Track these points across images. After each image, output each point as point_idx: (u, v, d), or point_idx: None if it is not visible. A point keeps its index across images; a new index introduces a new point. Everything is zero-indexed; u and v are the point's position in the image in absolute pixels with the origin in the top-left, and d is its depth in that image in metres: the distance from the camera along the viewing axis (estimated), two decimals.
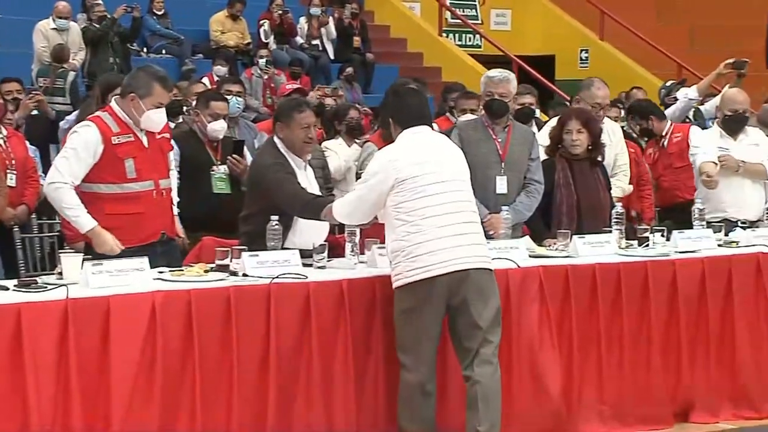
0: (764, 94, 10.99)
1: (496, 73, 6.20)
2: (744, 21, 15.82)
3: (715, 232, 6.11)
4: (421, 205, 4.79)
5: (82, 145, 5.09)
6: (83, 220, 5.05)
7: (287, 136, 5.46)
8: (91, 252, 5.03)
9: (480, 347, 4.84)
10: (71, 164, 5.07)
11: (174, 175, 5.62)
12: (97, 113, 5.30)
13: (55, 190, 5.07)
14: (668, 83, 11.14)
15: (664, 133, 8.26)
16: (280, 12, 13.54)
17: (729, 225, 6.40)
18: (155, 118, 5.20)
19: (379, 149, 5.68)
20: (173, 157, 5.73)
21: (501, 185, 6.04)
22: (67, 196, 5.05)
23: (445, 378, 5.05)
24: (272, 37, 13.44)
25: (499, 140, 6.11)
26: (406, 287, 4.80)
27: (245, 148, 6.63)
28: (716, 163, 6.65)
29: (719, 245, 6.05)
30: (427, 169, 4.84)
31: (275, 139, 5.53)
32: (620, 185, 6.88)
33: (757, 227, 6.37)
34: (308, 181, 5.53)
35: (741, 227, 6.33)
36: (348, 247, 5.23)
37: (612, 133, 6.87)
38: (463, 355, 4.88)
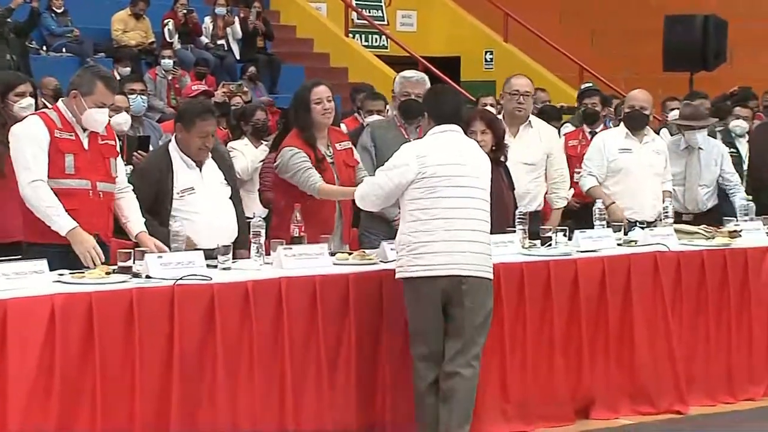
0: (662, 96, 11.27)
1: (412, 73, 6.28)
2: (642, 25, 16.17)
3: (615, 232, 6.24)
4: (435, 205, 4.96)
5: (34, 139, 5.00)
6: (64, 221, 4.95)
7: (184, 139, 5.51)
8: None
9: (464, 348, 5.01)
10: (38, 160, 4.98)
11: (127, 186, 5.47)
12: (43, 110, 5.31)
13: (35, 188, 4.96)
14: (585, 85, 11.35)
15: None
16: (185, 11, 13.39)
17: (628, 225, 6.54)
18: (97, 117, 5.14)
19: (296, 150, 5.67)
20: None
21: None
22: (47, 194, 4.96)
23: None
24: (177, 37, 13.29)
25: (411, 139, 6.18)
26: (407, 281, 5.03)
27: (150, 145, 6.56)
28: (600, 183, 6.73)
29: (619, 244, 6.17)
30: (449, 172, 5.00)
31: (172, 139, 5.57)
32: (561, 194, 6.85)
33: (654, 227, 6.52)
34: (201, 181, 5.50)
35: (639, 227, 6.47)
36: (253, 248, 5.21)
37: (544, 135, 6.85)
38: (447, 353, 5.03)
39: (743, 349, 6.33)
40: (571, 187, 7.17)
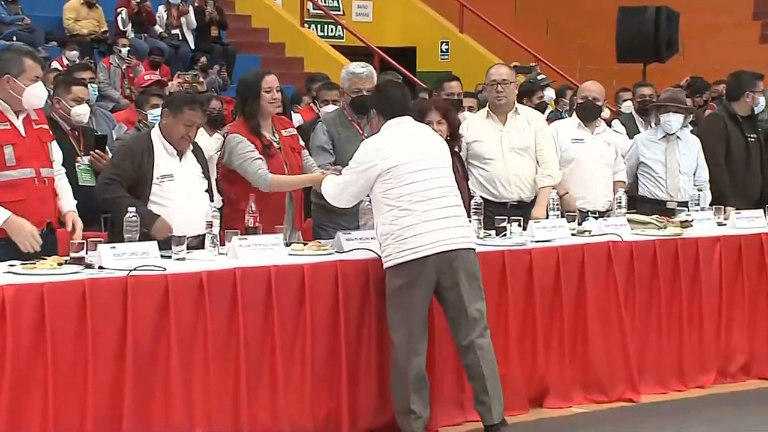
0: (615, 87, 11.37)
1: (360, 69, 6.25)
2: (597, 16, 16.29)
3: (569, 222, 6.29)
4: (407, 191, 5.17)
5: None
6: None
7: (169, 125, 5.54)
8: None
9: (471, 321, 5.24)
10: None
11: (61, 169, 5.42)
12: None
13: None
14: (540, 77, 11.38)
15: None
16: (138, 0, 13.27)
17: (582, 215, 6.59)
18: (36, 93, 5.09)
19: (241, 138, 5.71)
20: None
21: None
22: None
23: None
24: (130, 26, 13.17)
25: (366, 136, 6.16)
26: (396, 267, 5.16)
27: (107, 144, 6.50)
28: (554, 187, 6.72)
29: (573, 234, 6.22)
30: (412, 158, 5.22)
31: (156, 125, 5.62)
32: (546, 173, 6.74)
33: (607, 216, 6.58)
34: (181, 169, 5.53)
35: (593, 217, 6.52)
36: (208, 238, 5.18)
37: (532, 120, 6.83)
38: (460, 328, 5.25)
39: (694, 338, 6.41)
40: None
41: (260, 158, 5.70)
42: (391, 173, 5.18)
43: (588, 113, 7.05)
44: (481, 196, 6.23)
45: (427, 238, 5.14)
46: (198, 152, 5.72)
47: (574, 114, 7.27)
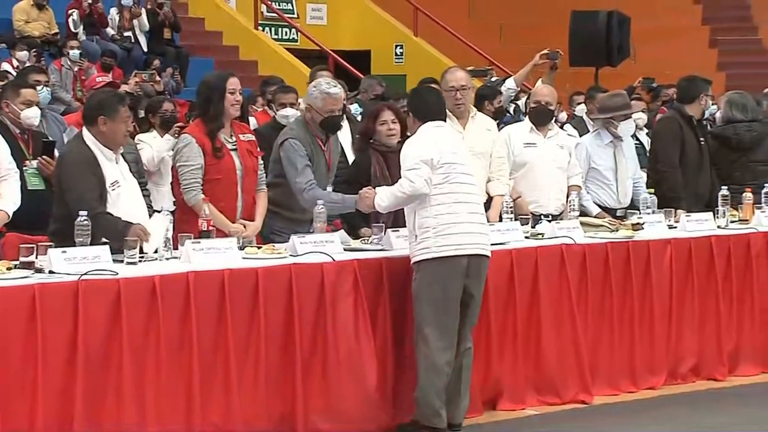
0: (569, 90, 11.47)
1: (334, 89, 6.09)
2: (550, 20, 16.41)
3: (522, 225, 6.32)
4: (454, 189, 5.39)
5: None
6: None
7: (110, 129, 5.40)
8: None
9: (471, 325, 5.50)
10: None
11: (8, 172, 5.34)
12: None
13: None
14: (493, 79, 11.44)
15: None
16: (90, 2, 13.16)
17: (535, 218, 6.64)
18: None
19: (190, 141, 5.72)
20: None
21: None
22: None
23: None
24: (81, 28, 13.05)
25: (327, 152, 6.19)
26: (431, 262, 5.31)
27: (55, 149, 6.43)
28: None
29: (526, 237, 6.26)
30: (459, 159, 5.48)
31: (84, 133, 5.44)
32: (504, 181, 6.84)
33: (561, 220, 6.63)
34: (121, 174, 5.46)
35: (545, 220, 6.57)
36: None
37: (489, 125, 6.93)
38: (464, 330, 5.46)
39: (645, 340, 6.47)
40: None
41: (199, 171, 5.71)
42: (444, 168, 5.38)
43: (541, 117, 7.09)
44: None
45: (466, 238, 5.35)
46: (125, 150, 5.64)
47: (527, 118, 7.30)
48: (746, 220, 7.04)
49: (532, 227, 6.42)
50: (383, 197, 5.53)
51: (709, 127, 8.73)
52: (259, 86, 10.37)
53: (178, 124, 7.72)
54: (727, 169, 7.70)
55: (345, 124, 7.37)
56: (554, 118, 7.63)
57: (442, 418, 5.41)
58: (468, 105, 6.74)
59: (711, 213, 6.94)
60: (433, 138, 5.47)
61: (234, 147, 5.87)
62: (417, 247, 5.36)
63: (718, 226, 6.87)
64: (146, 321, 4.79)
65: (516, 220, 6.37)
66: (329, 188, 6.19)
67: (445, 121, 5.67)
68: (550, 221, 6.50)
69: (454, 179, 5.39)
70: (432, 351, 5.35)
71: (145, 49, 13.69)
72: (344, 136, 7.26)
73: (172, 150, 7.08)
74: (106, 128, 5.39)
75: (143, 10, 13.78)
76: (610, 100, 7.46)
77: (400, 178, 5.51)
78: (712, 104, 8.12)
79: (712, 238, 6.76)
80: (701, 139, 7.64)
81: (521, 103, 10.34)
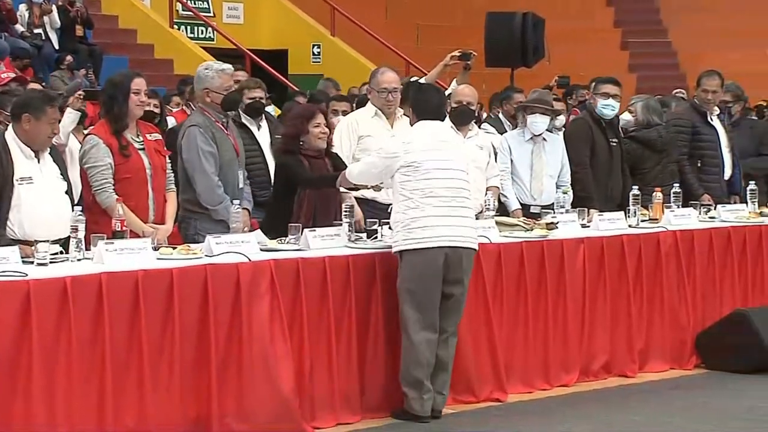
0: (485, 91, 11.57)
1: (225, 66, 6.27)
2: (466, 21, 16.55)
3: None
4: (422, 186, 5.66)
5: None
6: None
7: (33, 128, 5.40)
8: None
9: (456, 318, 5.76)
10: None
11: None
12: None
13: None
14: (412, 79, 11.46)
15: None
16: None
17: None
18: None
19: (97, 141, 5.71)
20: None
21: (241, 180, 6.23)
22: None
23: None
24: None
25: (231, 135, 6.18)
26: (403, 254, 5.66)
27: None
28: None
29: None
30: (432, 156, 5.71)
31: (9, 127, 5.45)
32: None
33: (477, 219, 6.67)
34: (40, 172, 5.43)
35: None
36: (72, 243, 5.07)
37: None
38: (447, 319, 5.73)
39: (559, 338, 6.56)
40: None
41: (109, 171, 5.68)
42: (411, 167, 5.66)
43: (462, 117, 7.11)
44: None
45: (431, 231, 5.59)
46: (54, 153, 5.61)
47: (447, 118, 7.31)
48: (656, 220, 7.18)
49: None
50: (356, 164, 6.01)
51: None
52: (176, 85, 10.26)
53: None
54: (653, 172, 7.86)
55: (264, 124, 7.38)
56: (476, 119, 7.71)
57: (420, 401, 5.65)
58: (397, 105, 6.79)
59: (623, 212, 7.07)
60: (415, 137, 5.77)
61: (142, 146, 5.87)
62: (393, 239, 5.72)
63: (630, 226, 7.00)
64: (57, 322, 4.72)
65: None
66: (241, 173, 6.20)
67: (442, 120, 5.98)
68: None
69: (425, 176, 5.65)
70: (408, 330, 5.64)
71: (57, 47, 13.43)
72: (263, 136, 7.25)
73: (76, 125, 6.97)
74: (30, 127, 5.39)
75: (54, 7, 13.51)
76: (531, 94, 7.58)
77: None
78: (628, 108, 8.25)
79: (623, 237, 6.88)
80: (613, 140, 7.77)
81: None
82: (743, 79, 9.56)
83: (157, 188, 5.88)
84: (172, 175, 6.05)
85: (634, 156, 7.89)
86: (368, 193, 6.43)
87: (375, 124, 6.75)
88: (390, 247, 5.87)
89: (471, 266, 5.80)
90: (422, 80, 9.70)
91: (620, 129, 8.04)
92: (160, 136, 6.07)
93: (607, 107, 7.66)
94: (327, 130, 6.31)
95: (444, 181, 5.69)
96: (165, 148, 6.02)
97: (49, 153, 5.53)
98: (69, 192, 5.59)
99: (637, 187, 7.24)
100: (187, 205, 6.10)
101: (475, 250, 5.81)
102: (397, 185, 5.73)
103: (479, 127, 8.04)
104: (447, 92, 7.05)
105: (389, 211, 6.00)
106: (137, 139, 5.88)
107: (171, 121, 8.60)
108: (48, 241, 4.97)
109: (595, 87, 7.94)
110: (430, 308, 5.66)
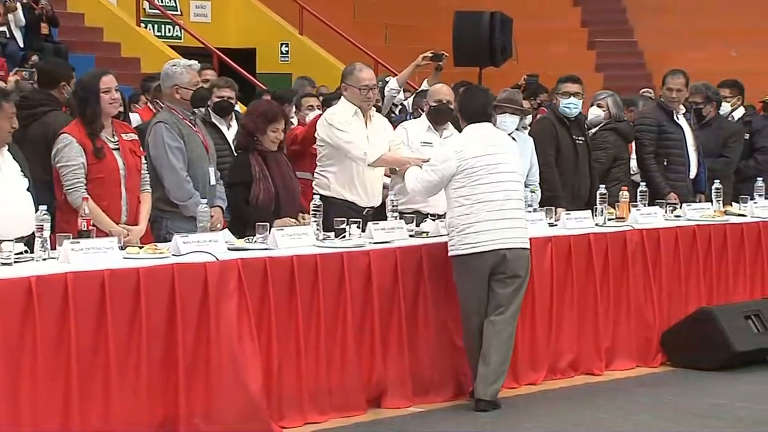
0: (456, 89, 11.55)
1: (193, 62, 6.31)
2: (434, 21, 16.57)
3: (407, 224, 6.36)
4: (475, 191, 5.94)
5: None
6: None
7: None
8: None
9: (504, 310, 5.98)
10: None
11: None
12: None
13: None
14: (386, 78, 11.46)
15: None
16: None
17: (420, 216, 6.68)
18: None
19: (70, 141, 5.62)
20: None
21: (212, 177, 6.21)
22: None
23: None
24: None
25: (200, 132, 6.14)
26: (458, 258, 5.97)
27: None
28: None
29: (411, 236, 6.30)
30: (485, 162, 5.97)
31: None
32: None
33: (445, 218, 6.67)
34: (0, 170, 5.35)
35: (431, 219, 6.61)
36: (38, 242, 5.03)
37: (385, 125, 6.97)
38: (490, 308, 5.98)
39: (526, 336, 6.58)
40: None
41: (82, 170, 5.64)
42: (465, 173, 5.93)
43: (441, 116, 7.07)
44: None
45: (484, 236, 5.88)
46: (12, 149, 5.52)
47: (423, 116, 7.30)
48: (623, 218, 7.22)
49: (417, 225, 6.47)
50: (411, 180, 6.20)
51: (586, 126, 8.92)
52: (140, 83, 10.20)
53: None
54: (628, 164, 8.04)
55: (234, 123, 7.37)
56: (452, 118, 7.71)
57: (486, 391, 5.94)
58: (373, 102, 6.81)
59: (590, 211, 7.10)
60: (466, 143, 6.01)
61: (116, 147, 5.82)
62: (449, 244, 6.01)
63: (597, 224, 7.04)
64: (21, 322, 4.68)
65: (401, 218, 6.42)
66: (211, 170, 6.20)
67: (489, 121, 6.18)
68: (434, 220, 6.56)
69: (477, 181, 5.92)
70: (465, 317, 6.02)
71: (22, 45, 13.31)
72: (233, 136, 7.25)
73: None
74: None
75: (19, 5, 13.38)
76: (501, 94, 7.61)
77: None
78: (597, 102, 8.29)
79: (590, 236, 6.91)
80: (579, 138, 7.81)
81: (408, 103, 10.39)
82: (708, 78, 9.60)
83: (131, 189, 5.82)
84: (148, 176, 6.00)
85: (616, 147, 7.97)
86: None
87: (354, 124, 6.63)
88: (359, 246, 5.88)
89: (525, 263, 6.04)
90: (393, 81, 9.74)
91: (586, 125, 8.08)
92: (136, 137, 6.00)
93: (570, 105, 7.70)
94: (282, 136, 6.36)
95: (495, 185, 5.95)
96: (140, 149, 5.96)
97: (8, 150, 5.45)
98: (30, 189, 5.52)
99: (603, 186, 7.29)
100: (158, 204, 6.07)
101: (526, 249, 6.05)
102: (450, 191, 6.00)
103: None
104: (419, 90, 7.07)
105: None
106: (112, 139, 5.82)
107: (134, 118, 8.56)
108: (12, 240, 4.92)
109: (557, 86, 7.99)
110: (476, 305, 5.97)
